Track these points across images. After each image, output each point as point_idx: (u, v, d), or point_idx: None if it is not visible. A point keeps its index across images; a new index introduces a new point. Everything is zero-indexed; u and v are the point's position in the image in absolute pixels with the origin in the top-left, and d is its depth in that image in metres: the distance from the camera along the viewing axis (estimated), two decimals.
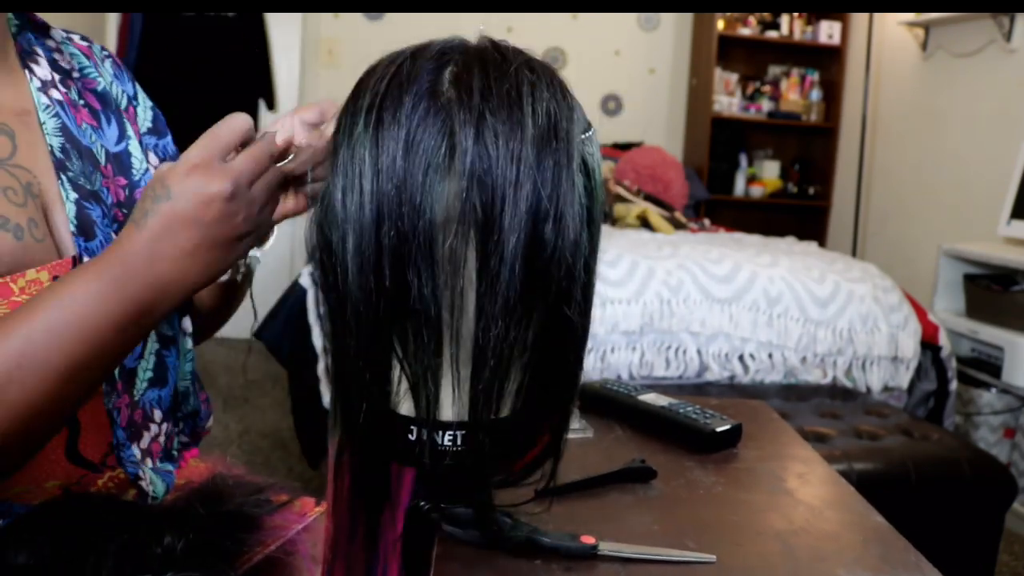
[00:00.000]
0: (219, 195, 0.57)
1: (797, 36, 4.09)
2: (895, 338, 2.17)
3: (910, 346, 2.18)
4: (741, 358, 2.12)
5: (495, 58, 0.52)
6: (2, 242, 0.61)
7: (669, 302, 2.08)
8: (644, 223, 3.03)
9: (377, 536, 0.61)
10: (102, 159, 0.72)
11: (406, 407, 0.54)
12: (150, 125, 0.80)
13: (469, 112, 0.49)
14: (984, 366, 2.48)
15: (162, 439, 0.77)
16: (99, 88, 0.75)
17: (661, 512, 0.66)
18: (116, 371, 0.70)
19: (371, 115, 0.50)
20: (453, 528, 0.59)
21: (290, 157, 0.65)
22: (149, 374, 0.74)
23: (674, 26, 4.27)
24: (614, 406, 0.90)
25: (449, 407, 0.54)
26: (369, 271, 0.49)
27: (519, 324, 0.50)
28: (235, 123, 0.60)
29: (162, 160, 0.79)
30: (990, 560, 1.66)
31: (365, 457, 0.57)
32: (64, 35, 0.76)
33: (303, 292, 2.21)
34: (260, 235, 0.63)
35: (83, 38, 0.78)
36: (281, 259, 3.69)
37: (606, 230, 2.82)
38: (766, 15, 4.08)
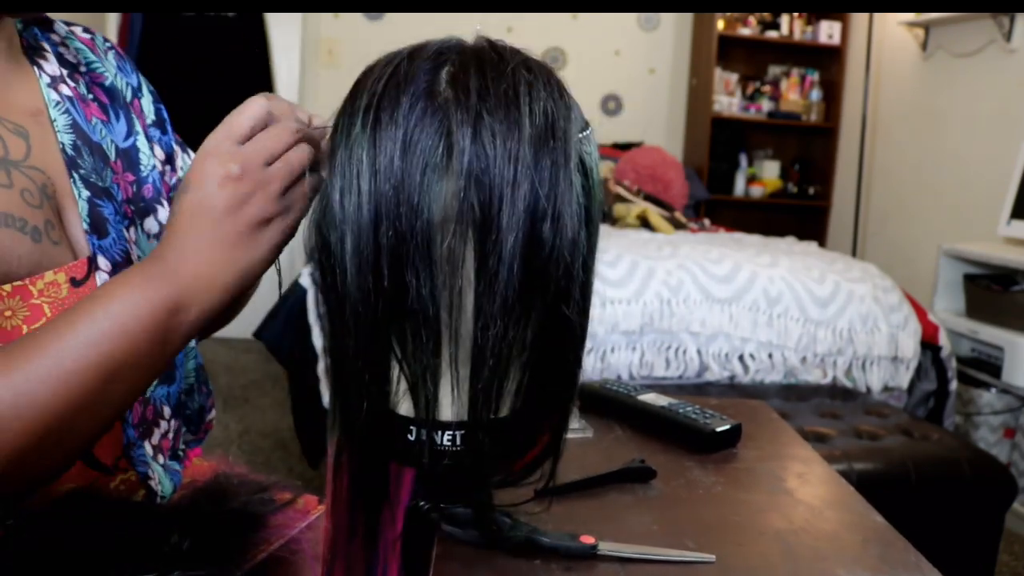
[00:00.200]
0: (226, 177, 0.54)
1: (797, 36, 4.10)
2: (895, 338, 2.17)
3: (910, 346, 2.18)
4: (741, 358, 2.12)
5: (492, 58, 0.52)
6: (21, 245, 0.60)
7: (669, 302, 2.08)
8: (644, 223, 3.03)
9: (377, 536, 0.61)
10: (112, 154, 0.71)
11: (405, 407, 0.54)
12: (154, 118, 0.79)
13: (466, 112, 0.49)
14: (984, 366, 2.48)
15: (171, 436, 0.77)
16: (107, 83, 0.74)
17: (661, 512, 0.66)
18: None
19: (368, 115, 0.50)
20: (452, 528, 0.59)
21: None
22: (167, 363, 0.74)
23: (674, 26, 4.27)
24: (614, 406, 0.90)
25: (448, 407, 0.54)
26: (367, 271, 0.49)
27: (518, 323, 0.50)
28: (249, 109, 0.57)
29: (167, 155, 0.79)
30: (990, 560, 1.66)
31: (364, 457, 0.57)
32: (67, 29, 0.75)
33: (303, 292, 2.21)
34: (292, 220, 0.58)
35: (85, 30, 0.77)
36: (281, 259, 3.69)
37: (606, 230, 2.82)
38: (766, 15, 4.08)
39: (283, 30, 3.80)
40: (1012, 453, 2.39)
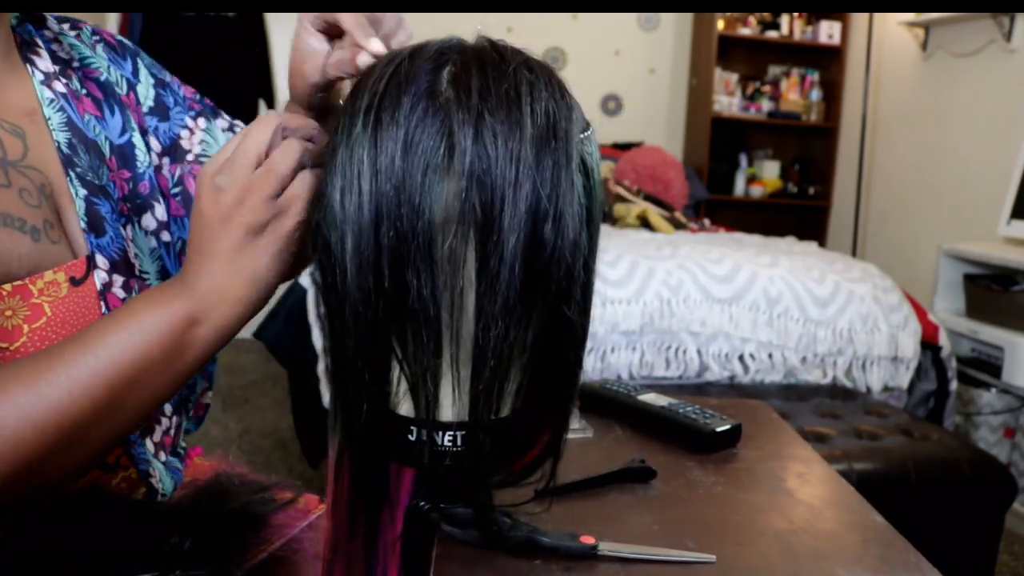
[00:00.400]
0: (215, 189, 0.55)
1: (797, 36, 4.10)
2: (895, 338, 2.17)
3: (910, 346, 2.18)
4: (741, 358, 2.12)
5: (493, 58, 0.52)
6: (21, 244, 0.60)
7: (669, 302, 2.08)
8: (644, 223, 3.03)
9: (377, 536, 0.61)
10: (107, 151, 0.71)
11: (406, 407, 0.54)
12: (152, 104, 0.78)
13: (468, 112, 0.49)
14: (984, 366, 2.48)
15: (172, 432, 0.77)
16: (101, 78, 0.74)
17: (661, 512, 0.66)
18: None
19: (369, 116, 0.50)
20: (453, 528, 0.59)
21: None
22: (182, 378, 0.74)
23: (674, 26, 4.27)
24: (614, 406, 0.90)
25: (449, 407, 0.54)
26: (368, 271, 0.49)
27: (519, 324, 0.50)
28: (257, 135, 0.56)
29: (164, 147, 0.77)
30: (990, 560, 1.66)
31: (365, 457, 0.57)
32: (58, 24, 0.74)
33: (303, 292, 2.21)
34: (288, 224, 0.56)
35: (72, 26, 0.75)
36: None
37: (606, 230, 2.82)
38: (766, 15, 4.08)
39: (283, 30, 3.80)
40: (1012, 453, 2.39)
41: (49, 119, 0.67)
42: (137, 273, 0.70)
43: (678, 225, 3.11)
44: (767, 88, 4.20)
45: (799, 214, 4.27)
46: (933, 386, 2.24)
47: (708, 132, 4.03)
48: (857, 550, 0.62)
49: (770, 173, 4.29)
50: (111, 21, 3.61)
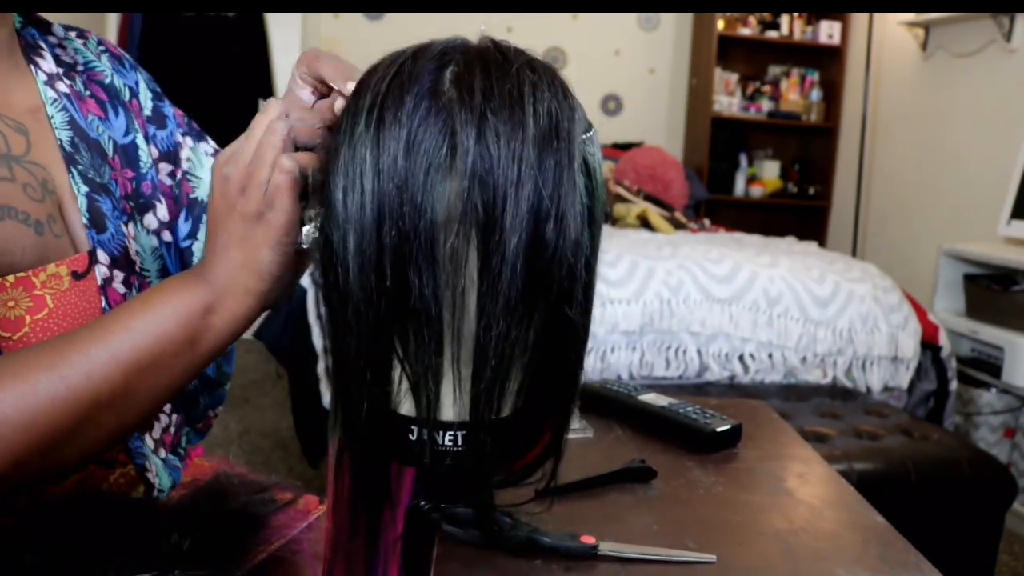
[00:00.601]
0: (227, 178, 0.56)
1: (797, 36, 4.10)
2: (895, 338, 2.17)
3: (910, 346, 2.18)
4: (741, 358, 2.12)
5: (496, 58, 0.52)
6: (24, 237, 0.61)
7: (669, 302, 2.08)
8: (644, 223, 3.03)
9: (378, 536, 0.61)
10: (110, 151, 0.72)
11: (407, 407, 0.54)
12: (149, 114, 0.79)
13: (470, 112, 0.49)
14: (984, 366, 2.48)
15: (172, 430, 0.77)
16: (106, 81, 0.75)
17: (661, 512, 0.66)
18: None
19: (372, 115, 0.50)
20: (453, 528, 0.59)
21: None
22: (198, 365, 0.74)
23: (674, 26, 4.27)
24: (614, 406, 0.90)
25: (450, 407, 0.54)
26: (370, 271, 0.49)
27: (520, 324, 0.50)
28: (262, 122, 0.57)
29: (162, 153, 0.78)
30: (990, 560, 1.66)
31: (365, 457, 0.57)
32: (64, 31, 0.76)
33: (303, 292, 2.21)
34: (277, 215, 0.56)
35: (80, 35, 0.77)
36: None
37: (606, 230, 2.82)
38: (766, 15, 4.08)
39: (283, 30, 3.80)
40: (1012, 453, 2.39)
41: (52, 118, 0.68)
42: (138, 270, 0.71)
43: (678, 225, 3.11)
44: (767, 88, 4.20)
45: (799, 214, 4.27)
46: (933, 386, 2.24)
47: (708, 132, 4.03)
48: (857, 550, 0.62)
49: (770, 173, 4.29)
50: (111, 21, 3.61)
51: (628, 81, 4.26)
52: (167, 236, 0.75)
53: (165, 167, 0.78)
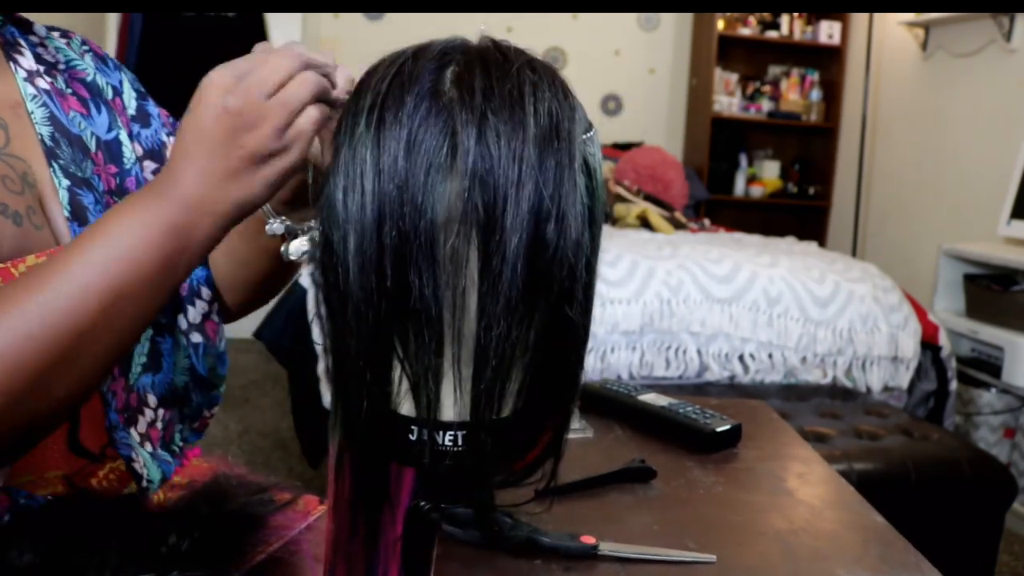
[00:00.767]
0: (225, 110, 0.54)
1: (797, 36, 4.10)
2: (895, 338, 2.17)
3: (910, 346, 2.18)
4: (741, 358, 2.12)
5: (497, 58, 0.52)
6: (3, 228, 0.61)
7: (669, 302, 2.08)
8: (644, 223, 3.03)
9: (377, 536, 0.61)
10: (92, 146, 0.72)
11: (407, 407, 0.54)
12: (134, 112, 0.79)
13: (471, 112, 0.49)
14: (984, 366, 2.48)
15: (159, 425, 0.77)
16: (88, 79, 0.75)
17: (661, 512, 0.66)
18: None
19: (372, 115, 0.50)
20: (453, 528, 0.59)
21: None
22: (143, 359, 0.74)
23: (674, 26, 4.27)
24: (614, 406, 0.90)
25: (450, 407, 0.54)
26: (370, 271, 0.49)
27: (521, 324, 0.50)
28: (277, 63, 0.55)
29: (146, 151, 0.79)
30: (990, 560, 1.66)
31: (365, 457, 0.57)
32: (46, 31, 0.76)
33: (303, 292, 2.21)
34: (290, 159, 0.57)
35: (63, 34, 0.78)
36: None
37: (606, 230, 2.82)
38: (766, 15, 4.08)
39: (283, 30, 3.80)
40: (1012, 453, 2.39)
41: (32, 113, 0.68)
42: None
43: (678, 225, 3.11)
44: (767, 88, 4.20)
45: (799, 214, 4.27)
46: (933, 386, 2.24)
47: (708, 132, 4.03)
48: (857, 550, 0.62)
49: (770, 173, 4.29)
50: (111, 21, 3.61)
51: (628, 81, 4.26)
52: None
53: (150, 165, 0.79)
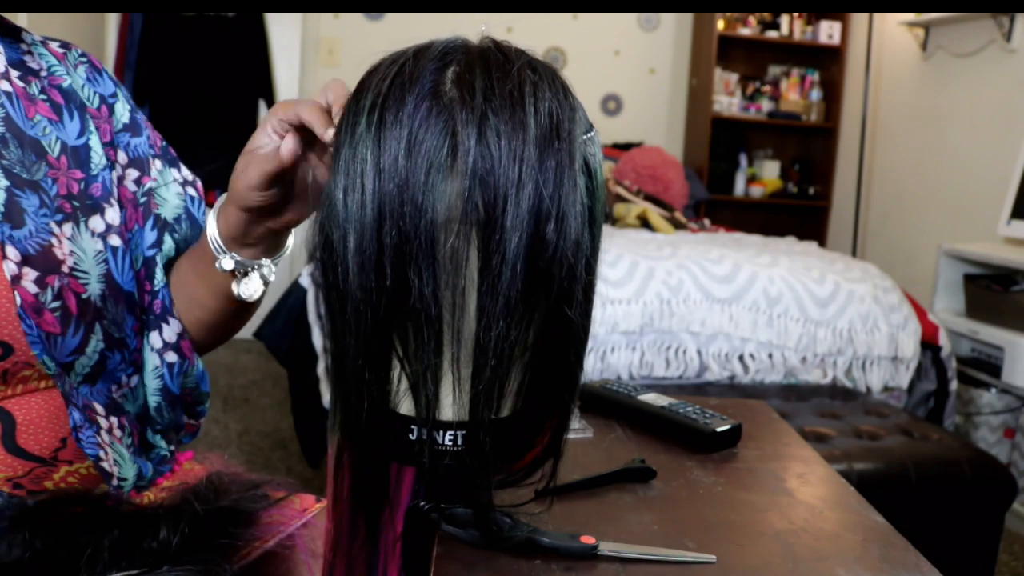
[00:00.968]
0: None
1: (797, 36, 4.09)
2: (895, 338, 2.17)
3: (910, 346, 2.18)
4: (741, 358, 2.12)
5: (497, 58, 0.52)
6: None
7: (669, 302, 2.08)
8: (644, 223, 3.03)
9: (377, 536, 0.61)
10: (54, 151, 0.72)
11: (406, 407, 0.54)
12: (126, 122, 0.80)
13: (471, 112, 0.49)
14: (984, 366, 2.48)
15: (117, 432, 0.76)
16: (64, 85, 0.76)
17: (661, 512, 0.66)
18: (53, 363, 0.69)
19: (373, 115, 0.50)
20: (453, 528, 0.59)
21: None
22: (86, 370, 0.74)
23: (674, 26, 4.27)
24: (614, 406, 0.90)
25: (449, 407, 0.54)
26: (370, 270, 0.49)
27: (520, 324, 0.50)
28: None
29: (131, 159, 0.79)
30: (990, 560, 1.66)
31: (365, 457, 0.57)
32: (39, 40, 0.77)
33: (303, 292, 2.21)
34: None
35: (62, 45, 0.79)
36: (281, 259, 3.69)
37: (606, 230, 2.82)
38: (766, 15, 4.08)
39: (283, 30, 3.80)
40: (1012, 453, 2.39)
41: None
42: (66, 270, 0.70)
43: (678, 225, 3.11)
44: (767, 88, 4.20)
45: (799, 214, 4.27)
46: (933, 386, 2.24)
47: (708, 132, 4.03)
48: (857, 550, 0.62)
49: (770, 173, 4.29)
50: (111, 21, 3.61)
51: (628, 81, 4.26)
52: (115, 240, 0.74)
53: (132, 173, 0.79)
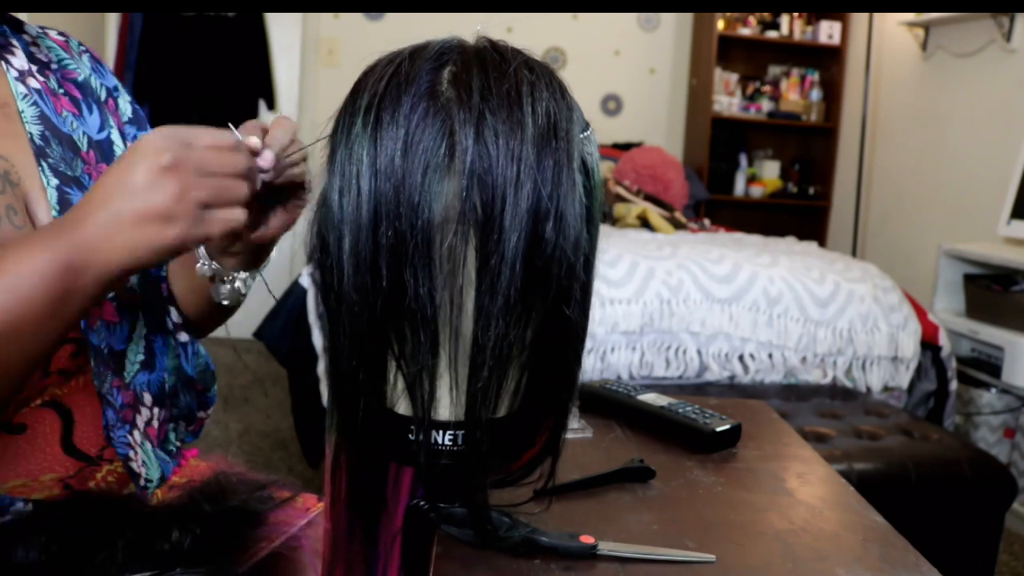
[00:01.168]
0: (157, 164, 0.54)
1: (797, 36, 4.09)
2: (895, 338, 2.17)
3: (910, 346, 2.18)
4: (741, 358, 2.12)
5: (494, 58, 0.52)
6: None
7: (669, 302, 2.08)
8: (644, 223, 3.03)
9: (376, 536, 0.61)
10: (84, 146, 0.72)
11: (404, 406, 0.54)
12: (130, 116, 0.80)
13: (469, 111, 0.49)
14: (984, 366, 2.48)
15: (155, 424, 0.77)
16: (79, 79, 0.75)
17: (660, 512, 0.66)
18: (106, 353, 0.69)
19: (369, 115, 0.50)
20: (451, 528, 0.58)
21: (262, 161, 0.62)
22: (140, 357, 0.75)
23: (674, 26, 4.27)
24: (614, 406, 0.90)
25: (447, 406, 0.54)
26: (366, 271, 0.49)
27: (519, 323, 0.50)
28: (222, 132, 0.58)
29: None
30: (990, 560, 1.66)
31: (362, 457, 0.57)
32: (40, 30, 0.76)
33: (303, 292, 2.21)
34: (198, 234, 0.57)
35: (60, 33, 0.78)
36: (281, 259, 3.69)
37: (606, 230, 2.82)
38: (766, 15, 4.08)
39: (283, 30, 3.80)
40: (1012, 453, 2.39)
41: (22, 112, 0.68)
42: None
43: (678, 225, 3.11)
44: (767, 88, 4.19)
45: (799, 214, 4.27)
46: (933, 386, 2.24)
47: (708, 132, 4.02)
48: (857, 550, 0.62)
49: (770, 173, 4.28)
50: (111, 21, 3.61)
51: (628, 81, 4.26)
52: None
53: None
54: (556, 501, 0.63)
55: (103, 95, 0.78)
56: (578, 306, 0.53)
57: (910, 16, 3.40)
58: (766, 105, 4.16)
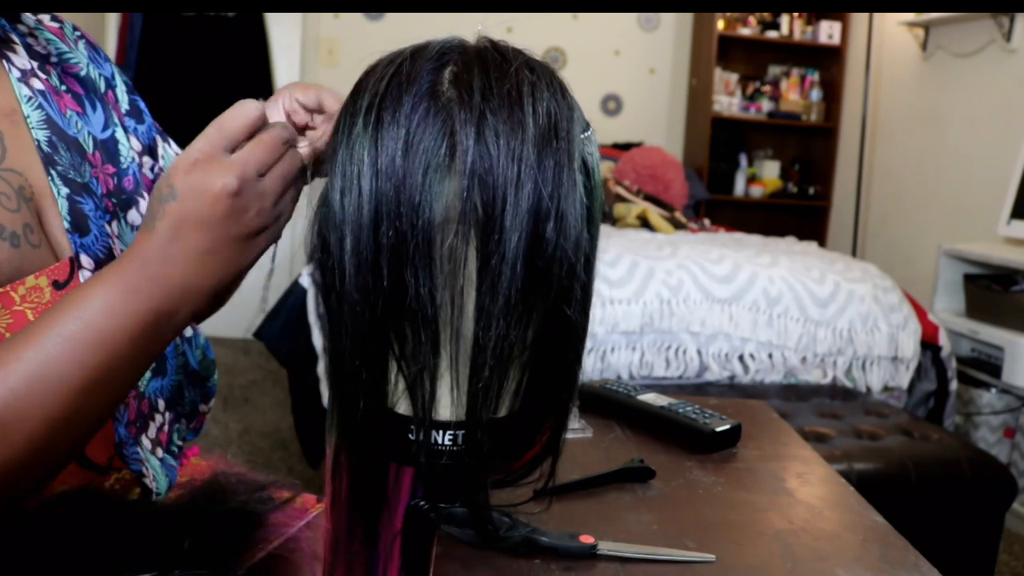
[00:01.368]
0: (224, 191, 0.53)
1: (797, 36, 4.09)
2: (895, 338, 2.17)
3: (910, 346, 2.18)
4: (741, 358, 2.12)
5: (495, 58, 0.52)
6: (0, 250, 0.59)
7: (669, 302, 2.08)
8: (644, 223, 3.03)
9: (376, 536, 0.61)
10: (89, 147, 0.69)
11: (405, 407, 0.54)
12: (128, 107, 0.77)
13: (470, 111, 0.49)
14: (984, 366, 2.48)
15: (166, 428, 0.77)
16: (81, 73, 0.72)
17: (660, 512, 0.66)
18: None
19: (370, 115, 0.50)
20: (452, 528, 0.59)
21: (303, 144, 0.61)
22: (152, 365, 0.74)
23: (674, 26, 4.27)
24: (614, 406, 0.90)
25: (448, 407, 0.54)
26: (367, 271, 0.49)
27: (519, 323, 0.50)
28: (242, 112, 0.55)
29: (144, 146, 0.77)
30: (990, 560, 1.66)
31: (362, 457, 0.57)
32: (35, 19, 0.72)
33: (303, 292, 2.21)
34: (280, 227, 0.58)
35: (53, 18, 0.73)
36: (281, 259, 3.69)
37: (606, 230, 2.82)
38: (766, 15, 4.08)
39: (283, 30, 3.80)
40: (1012, 453, 2.39)
41: (28, 117, 0.64)
42: None
43: (678, 225, 3.11)
44: (767, 88, 4.20)
45: (799, 214, 4.27)
46: (933, 386, 2.24)
47: (708, 132, 4.03)
48: (857, 550, 0.62)
49: (770, 173, 4.28)
50: (111, 21, 3.61)
51: (628, 81, 4.26)
52: None
53: (147, 161, 0.76)
54: (556, 501, 0.63)
55: (103, 86, 0.74)
56: (579, 306, 0.53)
57: (910, 16, 3.40)
58: (766, 105, 4.16)
